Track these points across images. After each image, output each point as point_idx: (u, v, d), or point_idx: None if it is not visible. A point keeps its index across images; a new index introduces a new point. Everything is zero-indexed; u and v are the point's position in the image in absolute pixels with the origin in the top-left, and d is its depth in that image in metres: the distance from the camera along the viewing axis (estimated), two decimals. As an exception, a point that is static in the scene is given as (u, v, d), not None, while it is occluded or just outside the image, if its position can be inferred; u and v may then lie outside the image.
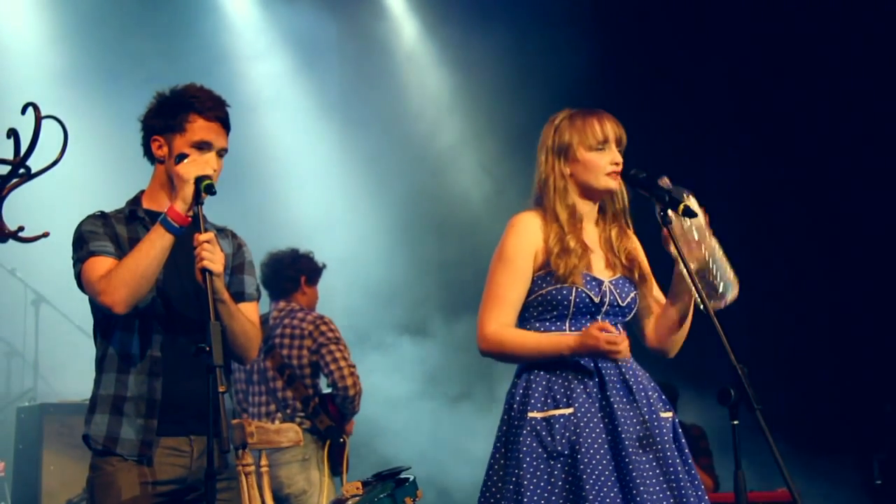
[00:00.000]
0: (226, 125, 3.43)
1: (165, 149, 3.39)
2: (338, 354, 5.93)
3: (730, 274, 3.38)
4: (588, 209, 3.51)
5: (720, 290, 3.35)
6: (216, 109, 3.40)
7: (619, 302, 3.43)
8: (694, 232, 3.35)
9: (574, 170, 3.46)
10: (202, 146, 3.35)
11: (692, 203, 3.32)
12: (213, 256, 3.13)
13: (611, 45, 8.72)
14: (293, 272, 6.13)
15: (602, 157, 3.44)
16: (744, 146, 8.93)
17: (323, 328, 5.97)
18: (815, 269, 8.55)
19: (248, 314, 3.45)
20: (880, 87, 8.20)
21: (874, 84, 8.24)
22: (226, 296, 3.28)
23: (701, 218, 3.34)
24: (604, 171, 3.44)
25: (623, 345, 3.29)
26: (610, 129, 3.46)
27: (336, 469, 5.99)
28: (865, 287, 8.37)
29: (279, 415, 5.96)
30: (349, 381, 5.88)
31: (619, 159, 3.46)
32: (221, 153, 3.40)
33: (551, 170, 3.48)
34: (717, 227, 3.40)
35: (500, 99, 8.76)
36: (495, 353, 3.42)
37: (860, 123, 8.40)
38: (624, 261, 3.48)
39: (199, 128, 3.36)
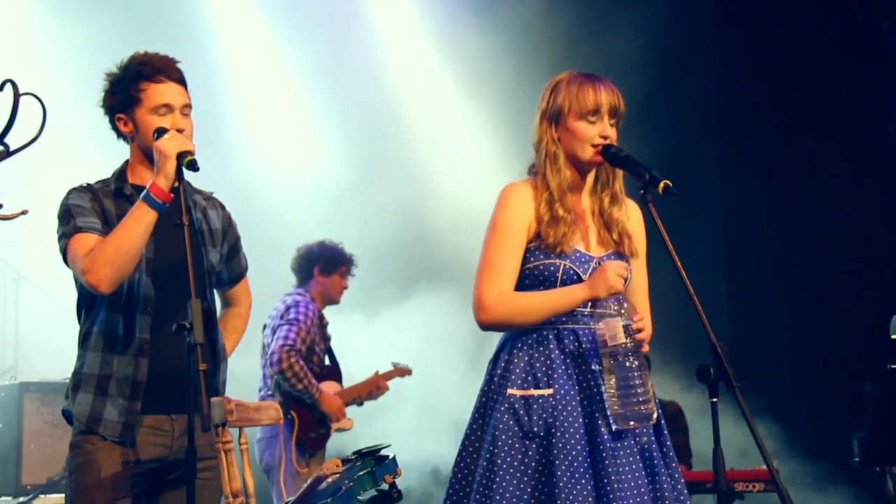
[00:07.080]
0: (180, 82, 3.40)
1: (131, 125, 3.38)
2: (284, 331, 5.96)
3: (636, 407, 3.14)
4: (580, 179, 3.38)
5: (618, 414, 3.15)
6: (166, 70, 3.38)
7: None
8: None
9: (562, 136, 3.33)
10: (163, 110, 3.34)
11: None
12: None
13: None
14: (306, 262, 6.27)
15: (591, 128, 3.30)
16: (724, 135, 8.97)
17: (292, 309, 6.04)
18: (795, 248, 8.58)
19: (244, 290, 3.70)
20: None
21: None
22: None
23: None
24: (591, 142, 3.30)
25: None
26: (605, 98, 3.30)
27: (301, 447, 6.01)
28: (845, 267, 8.41)
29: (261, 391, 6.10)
30: (276, 355, 5.87)
31: (608, 133, 3.30)
32: (185, 110, 3.38)
33: (544, 133, 3.36)
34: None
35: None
36: (499, 320, 3.28)
37: (834, 111, 8.45)
38: (615, 235, 3.35)
39: (154, 93, 3.35)
